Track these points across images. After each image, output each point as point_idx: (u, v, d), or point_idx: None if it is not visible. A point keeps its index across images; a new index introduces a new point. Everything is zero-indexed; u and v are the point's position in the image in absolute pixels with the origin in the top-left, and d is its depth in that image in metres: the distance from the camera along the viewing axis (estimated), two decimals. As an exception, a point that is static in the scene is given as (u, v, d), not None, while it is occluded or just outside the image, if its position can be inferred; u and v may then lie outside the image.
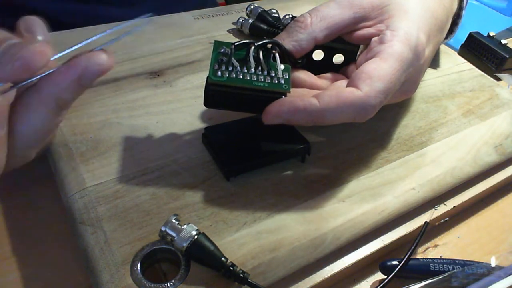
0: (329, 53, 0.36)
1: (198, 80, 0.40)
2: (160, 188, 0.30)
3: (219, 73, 0.28)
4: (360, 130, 0.37)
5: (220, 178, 0.31)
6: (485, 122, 0.40)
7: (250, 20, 0.46)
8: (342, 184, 0.32)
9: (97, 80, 0.23)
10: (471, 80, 0.45)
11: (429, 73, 0.45)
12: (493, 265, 0.30)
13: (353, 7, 0.32)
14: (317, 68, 0.35)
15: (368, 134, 0.37)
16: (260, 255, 0.27)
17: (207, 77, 0.28)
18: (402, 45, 0.30)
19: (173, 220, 0.26)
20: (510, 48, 0.52)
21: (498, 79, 0.50)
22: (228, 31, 0.48)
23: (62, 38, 0.42)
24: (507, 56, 0.50)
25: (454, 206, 0.34)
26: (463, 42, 0.55)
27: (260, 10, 0.47)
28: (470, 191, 0.35)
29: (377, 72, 0.28)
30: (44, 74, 0.22)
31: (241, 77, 0.28)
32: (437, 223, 0.33)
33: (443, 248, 0.33)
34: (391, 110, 0.39)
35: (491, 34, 0.54)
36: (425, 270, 0.30)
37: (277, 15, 0.48)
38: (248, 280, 0.25)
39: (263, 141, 0.33)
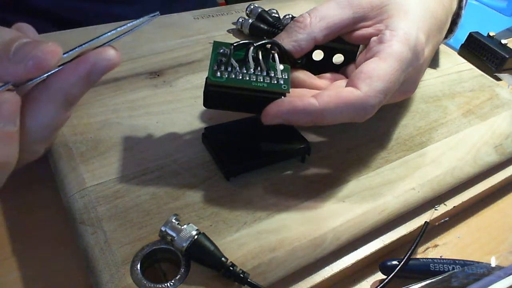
0: (328, 53, 0.36)
1: (198, 80, 0.40)
2: (160, 188, 0.30)
3: (219, 73, 0.28)
4: (360, 130, 0.37)
5: (220, 178, 0.31)
6: (485, 122, 0.40)
7: (250, 20, 0.46)
8: (342, 184, 0.32)
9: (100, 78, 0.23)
10: (471, 80, 0.45)
11: (429, 73, 0.45)
12: (493, 265, 0.30)
13: (353, 7, 0.32)
14: (317, 68, 0.35)
15: (368, 134, 0.37)
16: (260, 255, 0.27)
17: (207, 78, 0.28)
18: (402, 45, 0.30)
19: (173, 220, 0.26)
20: (510, 48, 0.52)
21: (498, 79, 0.50)
22: (228, 31, 0.48)
23: (63, 38, 0.42)
24: (507, 56, 0.50)
25: (454, 206, 0.34)
26: (463, 42, 0.55)
27: (260, 10, 0.47)
28: (470, 191, 0.35)
29: (377, 72, 0.28)
30: (54, 71, 0.22)
31: (241, 77, 0.28)
32: (437, 223, 0.33)
33: (443, 248, 0.33)
34: (391, 110, 0.39)
35: (491, 34, 0.54)
36: (425, 270, 0.30)
37: (277, 15, 0.48)
38: (248, 280, 0.25)
39: (263, 141, 0.33)
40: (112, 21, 0.46)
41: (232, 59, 0.29)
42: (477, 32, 0.54)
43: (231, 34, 0.48)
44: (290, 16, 0.47)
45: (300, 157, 0.33)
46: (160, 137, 0.34)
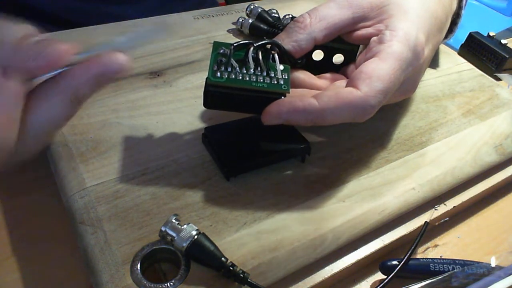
0: (328, 53, 0.36)
1: (198, 80, 0.40)
2: (160, 188, 0.30)
3: (219, 74, 0.28)
4: (360, 130, 0.37)
5: (220, 178, 0.31)
6: (485, 122, 0.40)
7: (250, 20, 0.46)
8: (342, 184, 0.32)
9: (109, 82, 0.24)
10: (471, 80, 0.45)
11: (429, 73, 0.45)
12: (493, 265, 0.30)
13: (352, 7, 0.32)
14: (317, 68, 0.35)
15: (368, 134, 0.37)
16: (260, 255, 0.27)
17: (207, 78, 0.28)
18: (401, 45, 0.30)
19: (173, 220, 0.26)
20: (510, 48, 0.52)
21: (498, 79, 0.50)
22: (228, 31, 0.48)
23: (63, 38, 0.42)
24: (507, 56, 0.50)
25: (454, 206, 0.34)
26: (463, 42, 0.55)
27: (260, 10, 0.47)
28: (470, 191, 0.35)
29: (377, 72, 0.28)
30: (65, 69, 0.23)
31: (241, 77, 0.28)
32: (437, 223, 0.33)
33: (443, 248, 0.33)
34: (391, 110, 0.39)
35: (491, 34, 0.54)
36: (425, 270, 0.30)
37: (277, 15, 0.48)
38: (248, 280, 0.25)
39: (263, 141, 0.33)
40: (112, 21, 0.46)
41: (232, 59, 0.29)
42: (477, 32, 0.54)
43: (231, 34, 0.48)
44: (290, 16, 0.47)
45: (300, 157, 0.33)
46: (160, 137, 0.34)
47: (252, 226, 0.28)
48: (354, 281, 0.30)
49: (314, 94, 0.29)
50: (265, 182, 0.31)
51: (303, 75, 0.33)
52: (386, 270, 0.29)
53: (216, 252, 0.25)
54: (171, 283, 0.25)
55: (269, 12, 0.48)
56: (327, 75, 0.34)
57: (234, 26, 0.49)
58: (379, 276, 0.30)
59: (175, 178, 0.31)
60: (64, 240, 0.30)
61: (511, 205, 0.37)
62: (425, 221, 0.32)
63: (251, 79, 0.29)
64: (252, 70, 0.29)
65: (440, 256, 0.32)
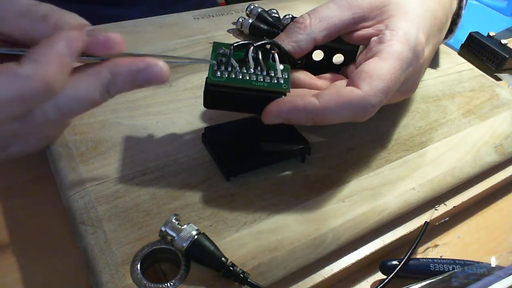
0: (329, 53, 0.36)
1: (198, 80, 0.40)
2: (160, 188, 0.30)
3: (219, 73, 0.28)
4: (360, 130, 0.37)
5: (220, 178, 0.31)
6: (485, 122, 0.40)
7: (250, 20, 0.46)
8: (342, 184, 0.32)
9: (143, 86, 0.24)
10: (471, 80, 0.45)
11: (429, 73, 0.45)
12: (493, 265, 0.30)
13: (352, 8, 0.32)
14: (317, 68, 0.35)
15: (368, 134, 0.37)
16: (260, 255, 0.27)
17: (207, 78, 0.28)
18: (402, 45, 0.30)
19: (173, 220, 0.26)
20: (510, 48, 0.52)
21: (498, 79, 0.50)
22: (228, 31, 0.48)
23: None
24: (507, 56, 0.50)
25: (454, 206, 0.34)
26: (463, 42, 0.55)
27: (260, 10, 0.47)
28: (470, 191, 0.35)
29: (377, 72, 0.28)
30: (109, 58, 0.23)
31: (241, 77, 0.28)
32: (437, 223, 0.33)
33: (443, 248, 0.33)
34: (391, 110, 0.39)
35: (491, 34, 0.54)
36: (425, 270, 0.30)
37: (277, 15, 0.48)
38: (248, 280, 0.25)
39: (263, 141, 0.33)
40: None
41: (232, 59, 0.29)
42: (477, 32, 0.54)
43: (231, 34, 0.48)
44: (290, 16, 0.47)
45: (300, 157, 0.33)
46: (160, 137, 0.34)
47: (252, 226, 0.28)
48: (354, 281, 0.30)
49: (314, 93, 0.29)
50: (265, 182, 0.31)
51: (303, 76, 0.33)
52: (386, 270, 0.29)
53: (216, 252, 0.25)
54: (171, 283, 0.25)
55: (269, 12, 0.48)
56: (327, 75, 0.34)
57: (234, 26, 0.49)
58: (379, 276, 0.30)
59: (175, 178, 0.31)
60: (64, 240, 0.30)
61: (511, 205, 0.37)
62: (425, 221, 0.32)
63: (251, 79, 0.29)
64: (252, 69, 0.29)
65: (440, 256, 0.32)
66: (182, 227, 0.26)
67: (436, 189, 0.33)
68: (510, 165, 0.38)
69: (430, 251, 0.33)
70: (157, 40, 0.44)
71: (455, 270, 0.29)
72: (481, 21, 0.71)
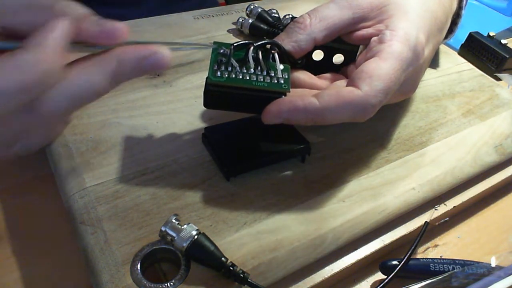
0: (329, 53, 0.36)
1: (198, 80, 0.40)
2: (160, 188, 0.30)
3: (219, 73, 0.28)
4: (360, 130, 0.37)
5: (220, 178, 0.31)
6: (485, 122, 0.40)
7: (250, 20, 0.46)
8: (342, 184, 0.32)
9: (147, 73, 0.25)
10: (471, 80, 0.45)
11: (429, 73, 0.45)
12: (493, 265, 0.30)
13: (352, 8, 0.32)
14: (317, 68, 0.35)
15: (368, 134, 0.37)
16: (260, 255, 0.27)
17: (207, 78, 0.28)
18: (402, 45, 0.30)
19: (173, 220, 0.26)
20: (510, 48, 0.52)
21: (498, 79, 0.50)
22: (228, 31, 0.48)
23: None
24: (507, 56, 0.50)
25: (454, 206, 0.34)
26: (463, 42, 0.55)
27: (260, 10, 0.47)
28: (470, 191, 0.35)
29: (377, 72, 0.28)
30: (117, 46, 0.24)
31: (241, 77, 0.28)
32: (437, 223, 0.33)
33: (443, 248, 0.33)
34: (391, 110, 0.39)
35: (491, 34, 0.54)
36: (425, 270, 0.30)
37: (277, 15, 0.48)
38: (248, 280, 0.25)
39: (263, 141, 0.33)
40: None
41: (232, 59, 0.29)
42: (477, 32, 0.54)
43: (231, 34, 0.48)
44: (290, 16, 0.47)
45: (300, 157, 0.33)
46: (160, 137, 0.34)
47: (252, 226, 0.28)
48: (354, 281, 0.30)
49: (314, 93, 0.29)
50: (265, 182, 0.31)
51: (303, 75, 0.33)
52: (386, 270, 0.29)
53: (216, 252, 0.25)
54: (171, 283, 0.25)
55: (269, 12, 0.48)
56: (327, 75, 0.34)
57: (234, 26, 0.49)
58: (379, 276, 0.30)
59: (175, 178, 0.31)
60: (64, 240, 0.30)
61: (511, 205, 0.37)
62: (425, 221, 0.32)
63: (251, 79, 0.29)
64: (252, 69, 0.29)
65: (440, 256, 0.32)
66: (182, 227, 0.26)
67: (436, 189, 0.33)
68: (510, 165, 0.38)
69: (430, 251, 0.33)
70: (157, 40, 0.44)
71: (455, 270, 0.29)
72: (481, 21, 0.71)
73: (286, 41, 0.32)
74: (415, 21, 0.31)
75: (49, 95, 0.22)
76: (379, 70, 0.28)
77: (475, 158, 0.36)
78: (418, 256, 0.32)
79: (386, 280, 0.28)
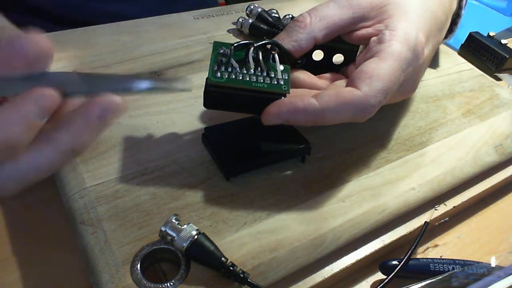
0: (328, 53, 0.36)
1: (198, 80, 0.40)
2: (160, 188, 0.30)
3: (219, 74, 0.28)
4: (360, 130, 0.37)
5: (220, 178, 0.31)
6: (485, 122, 0.40)
7: (250, 20, 0.46)
8: (342, 184, 0.32)
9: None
10: (471, 80, 0.45)
11: (429, 73, 0.45)
12: (493, 265, 0.30)
13: (352, 7, 0.32)
14: (317, 68, 0.35)
15: (368, 134, 0.37)
16: (260, 255, 0.27)
17: (207, 78, 0.28)
18: (401, 45, 0.30)
19: (173, 220, 0.26)
20: (510, 48, 0.52)
21: (498, 79, 0.50)
22: (228, 31, 0.48)
23: (63, 38, 0.42)
24: (507, 56, 0.50)
25: (454, 206, 0.34)
26: (463, 42, 0.55)
27: (260, 10, 0.47)
28: (470, 191, 0.35)
29: (376, 72, 0.28)
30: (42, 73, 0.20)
31: (241, 78, 0.28)
32: (437, 223, 0.33)
33: (443, 248, 0.33)
34: (391, 110, 0.39)
35: (491, 34, 0.54)
36: (425, 270, 0.30)
37: (277, 15, 0.48)
38: (248, 280, 0.25)
39: (263, 141, 0.33)
40: (112, 19, 0.46)
41: (232, 59, 0.29)
42: (477, 32, 0.54)
43: (231, 34, 0.48)
44: (290, 16, 0.47)
45: (300, 157, 0.33)
46: (160, 137, 0.34)
47: (252, 226, 0.28)
48: (354, 281, 0.30)
49: (314, 94, 0.29)
50: (265, 182, 0.31)
51: (303, 75, 0.33)
52: (386, 270, 0.29)
53: (216, 252, 0.25)
54: (171, 283, 0.25)
55: (269, 12, 0.48)
56: (327, 75, 0.34)
57: (234, 26, 0.49)
58: (379, 276, 0.30)
59: (175, 178, 0.31)
60: (64, 240, 0.30)
61: (511, 205, 0.37)
62: (425, 221, 0.32)
63: (251, 80, 0.29)
64: (252, 70, 0.29)
65: (440, 256, 0.32)
66: (182, 227, 0.26)
67: (436, 189, 0.33)
68: (510, 165, 0.38)
69: (430, 251, 0.33)
70: (157, 40, 0.44)
71: (455, 270, 0.29)
72: (481, 21, 0.71)
73: (286, 40, 0.32)
74: (415, 21, 0.31)
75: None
76: (379, 70, 0.28)
77: (475, 158, 0.36)
78: (418, 256, 0.32)
79: (386, 280, 0.28)
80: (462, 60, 0.49)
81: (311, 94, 0.29)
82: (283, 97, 0.29)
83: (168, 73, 0.40)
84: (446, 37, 0.42)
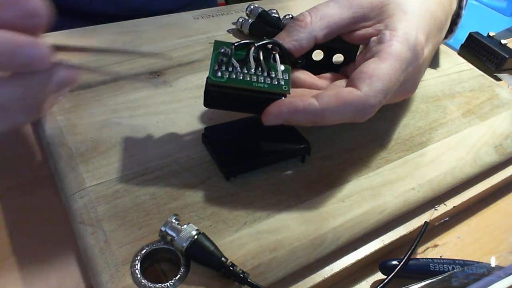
0: (328, 53, 0.36)
1: (198, 80, 0.40)
2: (160, 188, 0.30)
3: (219, 73, 0.28)
4: (360, 130, 0.37)
5: (220, 178, 0.31)
6: (485, 122, 0.40)
7: (250, 20, 0.46)
8: (342, 184, 0.32)
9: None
10: (471, 80, 0.45)
11: (429, 73, 0.46)
12: (493, 265, 0.30)
13: (353, 7, 0.32)
14: (317, 68, 0.35)
15: (368, 134, 0.37)
16: (260, 255, 0.27)
17: (207, 78, 0.28)
18: (401, 45, 0.30)
19: (173, 220, 0.26)
20: (510, 48, 0.52)
21: (498, 79, 0.50)
22: (228, 31, 0.48)
23: (63, 38, 0.42)
24: (507, 56, 0.50)
25: (454, 206, 0.34)
26: (463, 42, 0.55)
27: (260, 10, 0.47)
28: (470, 191, 0.35)
29: (376, 72, 0.28)
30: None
31: (241, 77, 0.28)
32: (437, 223, 0.33)
33: (443, 248, 0.33)
34: (391, 110, 0.39)
35: (491, 34, 0.54)
36: (425, 270, 0.30)
37: (277, 15, 0.48)
38: (248, 280, 0.25)
39: (263, 141, 0.33)
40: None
41: (233, 59, 0.29)
42: (477, 32, 0.54)
43: (231, 34, 0.48)
44: (290, 16, 0.47)
45: (300, 157, 0.33)
46: (160, 137, 0.34)
47: (252, 226, 0.28)
48: (354, 281, 0.30)
49: (314, 94, 0.29)
50: (265, 182, 0.31)
51: (303, 75, 0.33)
52: (386, 270, 0.29)
53: (216, 252, 0.25)
54: (171, 283, 0.25)
55: (269, 12, 0.48)
56: (327, 75, 0.34)
57: (234, 26, 0.49)
58: (379, 276, 0.30)
59: (175, 178, 0.31)
60: (64, 240, 0.30)
61: (511, 205, 0.37)
62: (425, 221, 0.32)
63: (252, 79, 0.29)
64: (253, 70, 0.29)
65: (440, 256, 0.32)
66: (182, 227, 0.26)
67: (436, 189, 0.33)
68: (510, 165, 0.38)
69: (430, 251, 0.33)
70: (157, 40, 0.44)
71: (455, 270, 0.29)
72: (481, 21, 0.71)
73: (287, 40, 0.32)
74: (415, 21, 0.31)
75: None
76: (379, 70, 0.28)
77: (475, 158, 0.36)
78: (418, 256, 0.32)
79: (386, 280, 0.28)
80: (462, 60, 0.49)
81: (311, 94, 0.29)
82: (283, 97, 0.29)
83: (168, 73, 0.40)
84: (446, 37, 0.42)
